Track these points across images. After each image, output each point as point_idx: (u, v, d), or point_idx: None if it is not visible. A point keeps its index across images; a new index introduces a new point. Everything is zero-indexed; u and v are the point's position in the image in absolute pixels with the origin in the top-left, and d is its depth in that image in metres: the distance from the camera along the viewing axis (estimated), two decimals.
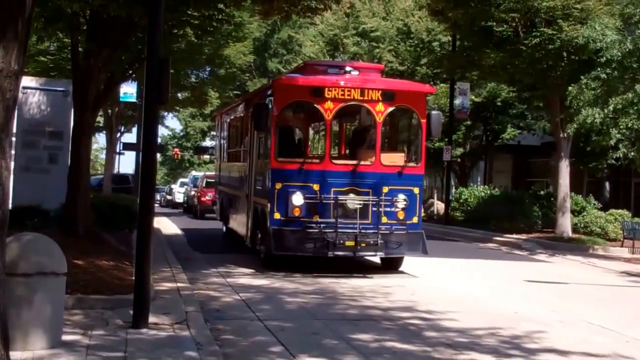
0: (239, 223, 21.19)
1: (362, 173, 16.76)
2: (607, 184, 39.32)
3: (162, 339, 9.15)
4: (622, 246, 26.93)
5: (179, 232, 28.42)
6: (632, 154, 24.37)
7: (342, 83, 16.84)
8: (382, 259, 17.97)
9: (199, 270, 16.65)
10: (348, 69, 17.73)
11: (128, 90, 35.34)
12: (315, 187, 16.36)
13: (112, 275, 12.69)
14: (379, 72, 19.15)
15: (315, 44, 43.25)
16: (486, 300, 14.40)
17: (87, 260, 13.36)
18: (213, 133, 73.74)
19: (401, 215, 16.75)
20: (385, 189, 16.64)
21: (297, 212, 16.21)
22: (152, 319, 9.90)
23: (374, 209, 16.55)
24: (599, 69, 23.08)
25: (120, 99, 36.58)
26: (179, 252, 19.94)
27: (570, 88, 23.85)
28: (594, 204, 32.60)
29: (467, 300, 14.19)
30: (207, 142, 75.80)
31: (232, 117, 23.65)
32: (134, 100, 35.88)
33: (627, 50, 22.29)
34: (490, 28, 27.88)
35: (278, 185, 16.32)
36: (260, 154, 18.32)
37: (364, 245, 16.35)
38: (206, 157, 74.22)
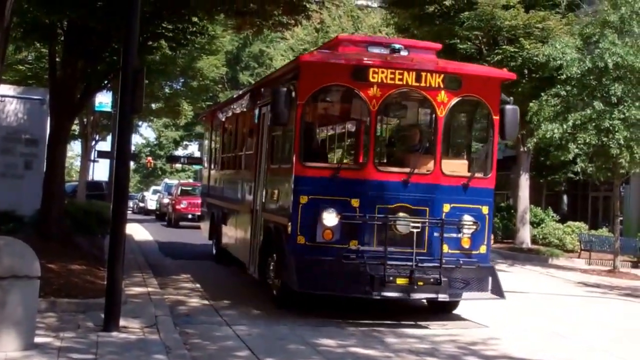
0: (238, 245, 16.72)
1: (417, 185, 12.52)
2: (565, 197, 39.96)
3: (132, 342, 9.27)
4: (579, 257, 27.68)
5: (152, 239, 28.32)
6: (590, 168, 24.96)
7: (393, 63, 12.62)
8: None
9: (169, 275, 16.72)
10: (396, 46, 13.55)
11: (103, 100, 35.61)
12: (354, 202, 12.21)
13: (85, 279, 12.82)
14: (434, 53, 14.76)
15: (285, 58, 43.61)
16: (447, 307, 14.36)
17: (61, 264, 13.45)
18: (185, 142, 74.04)
19: (466, 244, 12.65)
20: (447, 208, 12.60)
21: (328, 236, 12.05)
22: (122, 322, 10.02)
23: (434, 234, 12.41)
24: (558, 86, 23.60)
25: (96, 109, 36.83)
26: (150, 257, 20.08)
27: (531, 104, 24.32)
28: (553, 216, 33.29)
29: (428, 307, 14.23)
30: (180, 152, 75.91)
31: (230, 115, 18.56)
32: (109, 109, 36.13)
33: (586, 68, 22.81)
34: (454, 45, 28.43)
35: (303, 199, 12.16)
36: (275, 158, 14.01)
37: (421, 283, 12.01)
38: (178, 165, 74.42)
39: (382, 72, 12.42)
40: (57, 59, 17.87)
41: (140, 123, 55.33)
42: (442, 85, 12.68)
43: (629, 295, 19.38)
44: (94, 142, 42.35)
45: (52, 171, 17.04)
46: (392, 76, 12.47)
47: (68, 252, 15.24)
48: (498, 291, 12.69)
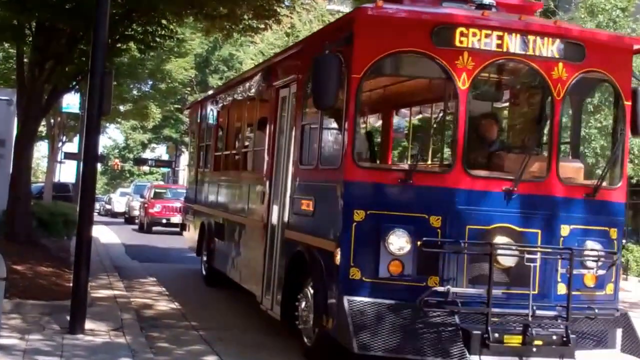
0: (244, 270, 12.80)
1: (525, 198, 8.84)
2: None
3: (98, 345, 9.22)
4: None
5: (119, 242, 28.04)
6: None
7: (489, 22, 8.84)
8: None
9: (136, 278, 16.63)
10: (485, 1, 9.37)
11: (71, 101, 35.39)
12: (435, 221, 8.55)
13: (51, 281, 12.76)
14: (532, 14, 10.54)
15: (255, 62, 43.58)
16: None
17: (26, 266, 13.39)
18: (153, 145, 73.79)
19: (591, 282, 9.03)
20: (565, 230, 8.94)
21: (397, 270, 8.43)
22: (88, 325, 9.97)
23: (552, 268, 8.80)
24: None
25: (63, 110, 36.63)
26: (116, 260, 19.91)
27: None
28: None
29: None
30: (148, 154, 75.65)
31: (229, 102, 14.71)
32: (76, 110, 35.97)
33: None
34: None
35: (358, 215, 8.51)
36: (307, 156, 10.15)
37: (540, 343, 8.31)
38: (145, 168, 74.22)
39: (475, 35, 8.73)
40: (25, 60, 17.87)
41: (107, 125, 55.15)
42: (559, 55, 8.99)
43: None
44: (60, 144, 42.10)
45: (19, 172, 16.99)
46: (488, 40, 8.79)
47: (34, 254, 15.19)
48: (634, 347, 9.03)
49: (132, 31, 17.58)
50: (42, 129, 38.67)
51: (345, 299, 8.34)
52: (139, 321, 11.17)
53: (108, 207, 57.57)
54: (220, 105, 15.70)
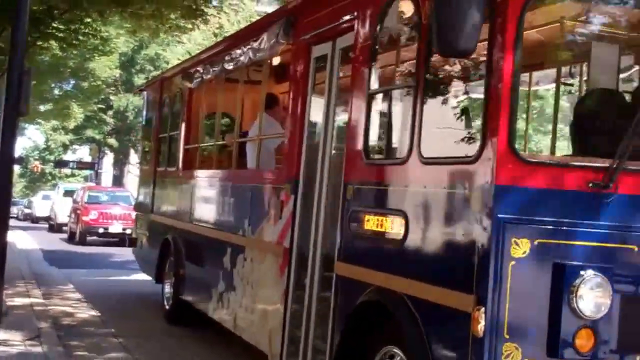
0: (243, 314, 8.79)
1: None
2: None
3: (12, 355, 9.00)
4: None
5: (37, 247, 27.36)
6: None
7: None
8: None
9: (54, 285, 16.25)
10: None
11: None
12: None
13: None
14: None
15: None
16: None
17: None
18: (75, 147, 72.58)
19: None
20: None
21: (587, 344, 4.52)
22: (2, 335, 9.79)
23: None
24: None
25: None
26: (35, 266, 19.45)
27: None
28: None
29: None
30: (69, 156, 74.50)
31: (215, 73, 10.78)
32: None
33: None
34: None
35: (520, 249, 4.54)
36: (386, 144, 6.59)
37: None
38: (67, 170, 72.95)
39: None
40: None
41: (26, 125, 54.09)
42: None
43: None
44: None
45: None
46: None
47: None
48: None
49: (54, 29, 17.29)
50: None
51: None
52: (57, 330, 10.97)
53: (28, 211, 56.37)
54: (197, 80, 11.64)
